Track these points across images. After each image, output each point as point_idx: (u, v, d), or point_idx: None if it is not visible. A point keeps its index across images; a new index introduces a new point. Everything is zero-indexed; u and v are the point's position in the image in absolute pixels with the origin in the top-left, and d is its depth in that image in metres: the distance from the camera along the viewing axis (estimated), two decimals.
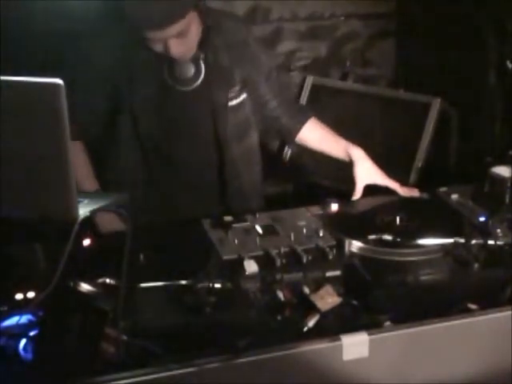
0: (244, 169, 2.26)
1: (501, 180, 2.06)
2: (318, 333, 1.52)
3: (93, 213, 1.46)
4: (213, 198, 2.25)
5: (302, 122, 2.32)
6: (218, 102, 2.13)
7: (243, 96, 2.18)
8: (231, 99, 2.15)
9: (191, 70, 2.02)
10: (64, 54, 2.14)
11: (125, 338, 1.47)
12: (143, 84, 2.04)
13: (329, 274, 1.73)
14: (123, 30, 1.97)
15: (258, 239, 1.85)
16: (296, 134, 2.33)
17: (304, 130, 2.33)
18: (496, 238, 1.81)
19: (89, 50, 2.04)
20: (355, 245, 1.81)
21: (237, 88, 2.16)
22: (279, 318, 1.58)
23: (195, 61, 2.02)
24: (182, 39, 1.93)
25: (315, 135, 2.32)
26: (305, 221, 1.96)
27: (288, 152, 3.31)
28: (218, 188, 2.24)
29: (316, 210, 2.04)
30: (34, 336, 1.51)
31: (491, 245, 1.80)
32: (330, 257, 1.77)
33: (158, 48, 1.95)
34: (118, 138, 2.13)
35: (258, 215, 1.99)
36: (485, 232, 1.85)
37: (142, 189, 2.17)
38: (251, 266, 1.71)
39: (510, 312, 1.60)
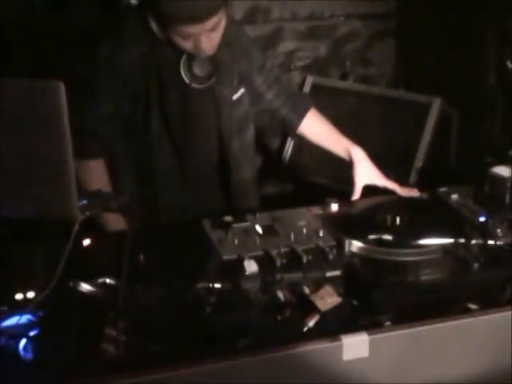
0: (244, 162, 2.27)
1: (501, 180, 2.06)
2: (318, 333, 1.51)
3: (93, 213, 1.46)
4: (216, 194, 2.27)
5: (303, 113, 2.33)
6: (223, 98, 2.15)
7: (241, 90, 2.20)
8: (233, 94, 2.17)
9: (209, 68, 2.03)
10: (82, 64, 2.12)
11: (125, 338, 1.46)
12: (165, 85, 2.05)
13: (329, 274, 1.73)
14: (143, 33, 2.00)
15: (257, 239, 1.85)
16: (297, 126, 2.34)
17: (306, 122, 2.33)
18: (496, 238, 1.81)
19: (110, 56, 2.02)
20: (355, 245, 1.81)
21: (235, 82, 2.17)
22: (279, 318, 1.57)
23: (212, 58, 2.03)
24: (213, 34, 1.96)
25: (317, 128, 2.33)
26: (305, 221, 1.96)
27: (288, 152, 3.31)
28: (219, 183, 2.26)
29: (316, 209, 2.04)
30: (34, 336, 1.51)
31: (491, 245, 1.80)
32: (330, 257, 1.77)
33: (187, 45, 1.96)
34: (146, 143, 2.12)
35: (258, 215, 1.99)
36: (485, 232, 1.85)
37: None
38: (251, 266, 1.71)
39: (510, 312, 1.60)
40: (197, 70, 2.02)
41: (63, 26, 2.79)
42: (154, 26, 1.98)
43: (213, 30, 1.95)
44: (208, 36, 1.95)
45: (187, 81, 2.03)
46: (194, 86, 2.04)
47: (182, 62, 2.01)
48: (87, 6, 2.82)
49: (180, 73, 2.02)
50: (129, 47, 2.02)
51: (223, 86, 2.14)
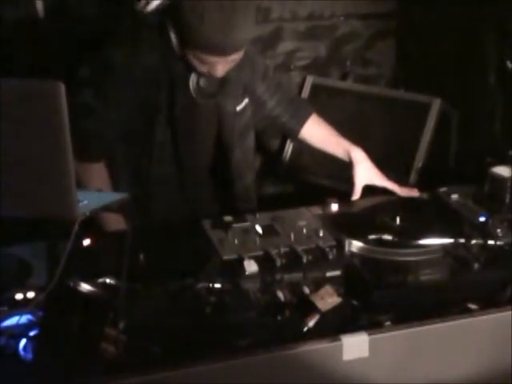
0: (246, 169, 2.27)
1: (501, 180, 2.06)
2: (318, 333, 1.52)
3: (93, 213, 1.46)
4: (214, 202, 2.27)
5: (303, 121, 2.34)
6: (228, 110, 2.16)
7: (245, 101, 2.21)
8: (237, 105, 2.18)
9: (217, 85, 2.05)
10: (92, 67, 2.11)
11: (125, 338, 1.46)
12: (173, 96, 2.05)
13: (329, 274, 1.73)
14: (158, 43, 2.00)
15: (257, 239, 1.85)
16: (298, 132, 2.36)
17: (306, 128, 2.34)
18: (496, 238, 1.81)
19: (120, 62, 2.02)
20: (355, 245, 1.81)
21: (240, 93, 2.17)
22: (279, 318, 1.58)
23: (223, 77, 2.04)
24: (230, 63, 1.99)
25: (317, 133, 2.34)
26: (305, 221, 1.96)
27: (288, 152, 3.31)
28: (219, 190, 2.26)
29: (316, 209, 2.04)
30: (34, 336, 1.51)
31: (491, 245, 1.80)
32: (330, 257, 1.77)
33: (202, 68, 1.98)
34: (146, 149, 2.12)
35: (258, 215, 1.99)
36: (485, 232, 1.85)
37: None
38: (251, 266, 1.71)
39: (510, 312, 1.60)
40: (205, 87, 2.04)
41: (75, 28, 2.78)
42: (173, 41, 1.98)
43: (232, 60, 1.98)
44: (225, 64, 1.98)
45: (194, 95, 2.04)
46: (201, 100, 2.05)
47: (191, 77, 2.02)
48: (102, 10, 2.81)
49: (188, 86, 2.03)
50: (142, 55, 2.01)
51: (229, 99, 2.15)
